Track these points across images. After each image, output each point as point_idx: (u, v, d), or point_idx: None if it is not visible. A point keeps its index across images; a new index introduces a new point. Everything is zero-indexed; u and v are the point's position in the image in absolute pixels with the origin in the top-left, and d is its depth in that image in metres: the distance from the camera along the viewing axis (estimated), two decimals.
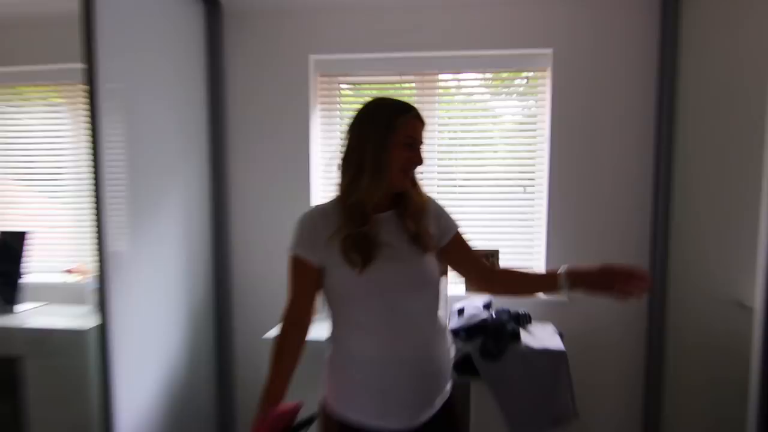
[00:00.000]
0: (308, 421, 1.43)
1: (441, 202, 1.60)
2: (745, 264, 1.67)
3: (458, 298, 2.65)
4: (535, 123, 2.80)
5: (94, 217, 2.01)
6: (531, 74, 2.81)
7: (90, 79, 1.97)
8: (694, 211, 2.52)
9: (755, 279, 1.76)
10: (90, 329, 2.45)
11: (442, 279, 1.52)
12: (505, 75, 2.84)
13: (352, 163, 1.40)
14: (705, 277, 2.46)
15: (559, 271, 1.45)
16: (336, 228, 1.38)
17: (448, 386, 1.54)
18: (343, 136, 1.47)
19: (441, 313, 1.52)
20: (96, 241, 2.02)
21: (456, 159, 2.89)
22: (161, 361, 2.48)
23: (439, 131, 2.88)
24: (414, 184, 1.48)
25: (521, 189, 2.83)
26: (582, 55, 2.64)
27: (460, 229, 1.58)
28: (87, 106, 1.98)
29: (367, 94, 2.95)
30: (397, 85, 2.94)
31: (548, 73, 2.71)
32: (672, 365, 2.65)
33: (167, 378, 2.52)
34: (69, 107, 3.05)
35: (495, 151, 2.88)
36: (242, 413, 3.02)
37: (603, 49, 2.63)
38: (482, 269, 1.65)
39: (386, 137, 1.37)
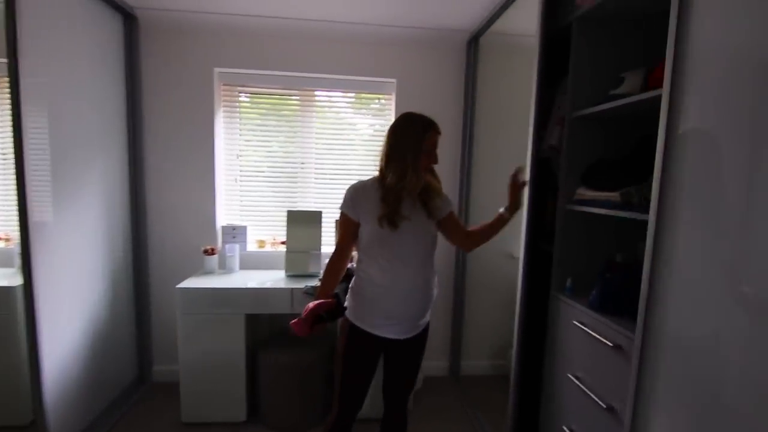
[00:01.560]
0: (337, 312, 1.65)
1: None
2: (516, 230, 1.88)
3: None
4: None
5: (18, 193, 1.77)
6: (382, 97, 2.86)
7: (13, 72, 1.69)
8: (480, 194, 2.75)
9: (520, 240, 1.96)
10: (16, 287, 2.13)
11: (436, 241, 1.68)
12: (364, 96, 2.87)
13: (398, 161, 1.53)
14: None
15: (501, 211, 1.69)
16: (375, 201, 1.54)
17: (428, 315, 1.67)
18: (386, 137, 1.58)
19: (434, 262, 1.65)
20: (19, 213, 1.77)
21: (329, 159, 2.87)
22: (85, 311, 2.26)
23: (316, 137, 2.84)
24: (432, 174, 1.65)
25: None
26: (416, 84, 2.78)
27: (452, 211, 1.69)
28: (10, 97, 1.71)
29: (261, 103, 2.81)
30: (284, 98, 2.83)
31: (393, 97, 2.80)
32: (470, 296, 2.92)
33: (91, 324, 2.31)
34: None
35: (357, 154, 2.89)
36: (158, 348, 2.82)
37: (430, 79, 2.79)
38: (461, 236, 1.73)
39: (420, 145, 1.52)
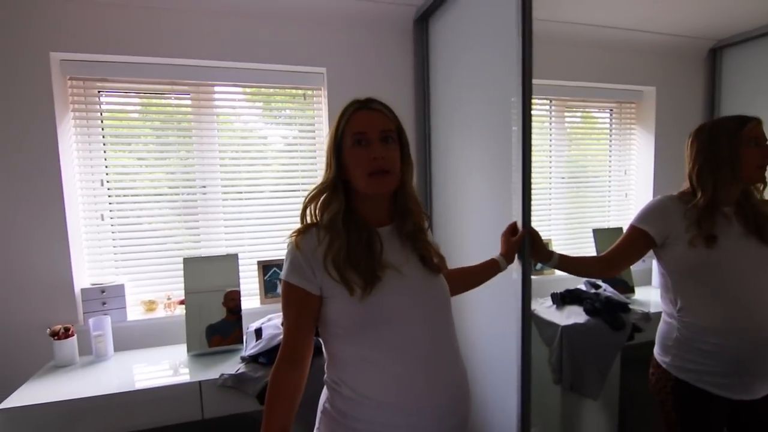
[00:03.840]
0: None
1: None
2: None
3: (253, 315, 1.92)
4: (313, 138, 2.18)
5: None
6: (308, 92, 2.18)
7: None
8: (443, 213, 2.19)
9: None
10: None
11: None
12: (276, 104, 2.18)
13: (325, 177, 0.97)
14: None
15: (496, 258, 1.31)
16: (327, 247, 0.92)
17: None
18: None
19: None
20: None
21: (239, 173, 2.10)
22: None
23: (220, 145, 2.06)
24: (404, 187, 0.99)
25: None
26: (351, 74, 2.12)
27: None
28: None
29: (135, 105, 1.98)
30: (166, 98, 2.02)
31: (323, 92, 2.14)
32: None
33: None
34: None
35: (271, 169, 2.15)
36: None
37: (369, 68, 2.15)
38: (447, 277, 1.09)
39: (340, 140, 0.95)
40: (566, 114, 2.53)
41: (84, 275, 1.91)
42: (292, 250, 0.93)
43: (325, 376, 0.97)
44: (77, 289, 1.86)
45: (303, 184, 2.15)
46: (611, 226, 2.47)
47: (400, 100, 2.20)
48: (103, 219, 1.94)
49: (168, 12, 1.86)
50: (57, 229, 1.80)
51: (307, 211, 0.97)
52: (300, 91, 2.15)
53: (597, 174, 2.59)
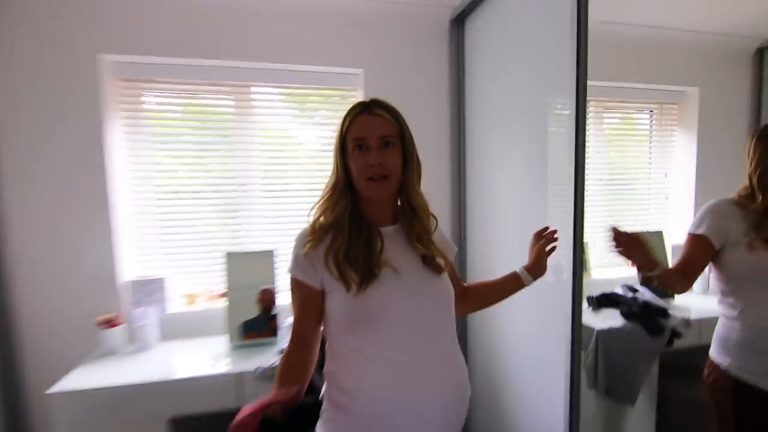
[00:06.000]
0: (309, 413, 0.95)
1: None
2: None
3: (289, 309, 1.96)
4: None
5: None
6: (344, 93, 2.24)
7: None
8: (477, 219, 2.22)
9: None
10: None
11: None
12: (311, 104, 2.24)
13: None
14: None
15: (518, 271, 1.21)
16: (329, 244, 0.99)
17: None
18: None
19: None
20: None
21: (277, 171, 2.18)
22: None
23: (260, 144, 2.15)
24: (407, 189, 1.03)
25: None
26: (388, 75, 2.18)
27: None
28: None
29: (179, 105, 2.09)
30: (209, 98, 2.11)
31: (359, 92, 2.21)
32: None
33: None
34: None
35: (306, 169, 2.21)
36: None
37: (405, 69, 2.20)
38: (462, 291, 1.19)
39: (344, 142, 1.01)
40: (605, 115, 2.52)
41: (129, 267, 2.02)
42: (299, 241, 1.02)
43: (324, 367, 1.04)
44: (120, 281, 1.96)
45: None
46: (650, 230, 2.37)
47: (436, 100, 2.24)
48: (147, 216, 2.04)
49: (204, 15, 1.94)
50: (104, 226, 1.92)
51: (314, 211, 1.04)
52: (336, 92, 2.22)
53: (636, 176, 2.57)
